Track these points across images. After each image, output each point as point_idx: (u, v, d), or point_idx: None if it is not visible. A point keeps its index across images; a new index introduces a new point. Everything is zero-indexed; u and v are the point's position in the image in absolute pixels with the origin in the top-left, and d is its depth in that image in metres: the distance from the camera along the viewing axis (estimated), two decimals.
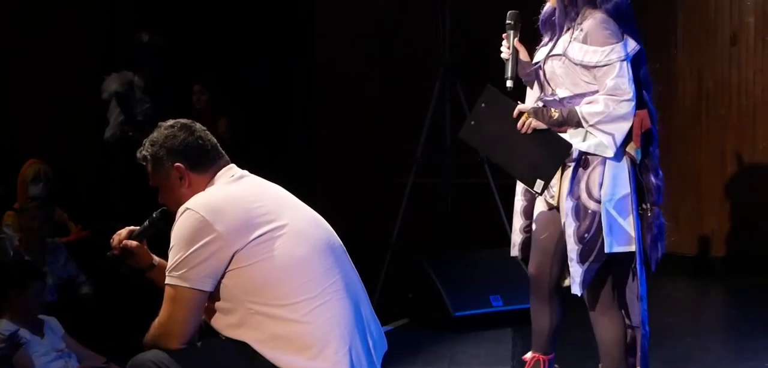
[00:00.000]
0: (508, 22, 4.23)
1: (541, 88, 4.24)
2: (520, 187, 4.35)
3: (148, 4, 8.37)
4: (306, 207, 3.46)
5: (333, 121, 8.77)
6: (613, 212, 4.07)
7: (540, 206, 4.25)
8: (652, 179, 4.15)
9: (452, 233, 6.81)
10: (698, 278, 7.25)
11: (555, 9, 4.20)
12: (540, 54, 4.24)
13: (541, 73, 4.21)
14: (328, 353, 3.22)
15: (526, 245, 4.34)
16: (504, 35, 4.24)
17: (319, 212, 3.48)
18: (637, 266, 4.17)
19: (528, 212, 4.32)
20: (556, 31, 4.20)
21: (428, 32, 7.11)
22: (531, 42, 4.35)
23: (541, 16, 4.29)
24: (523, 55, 4.27)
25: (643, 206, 4.16)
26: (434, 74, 6.74)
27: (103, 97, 7.56)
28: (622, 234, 4.09)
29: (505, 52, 4.22)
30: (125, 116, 7.44)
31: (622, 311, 4.29)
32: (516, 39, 4.22)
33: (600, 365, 4.34)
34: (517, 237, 4.37)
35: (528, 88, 4.35)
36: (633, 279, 4.24)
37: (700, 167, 7.70)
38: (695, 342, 5.66)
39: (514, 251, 4.39)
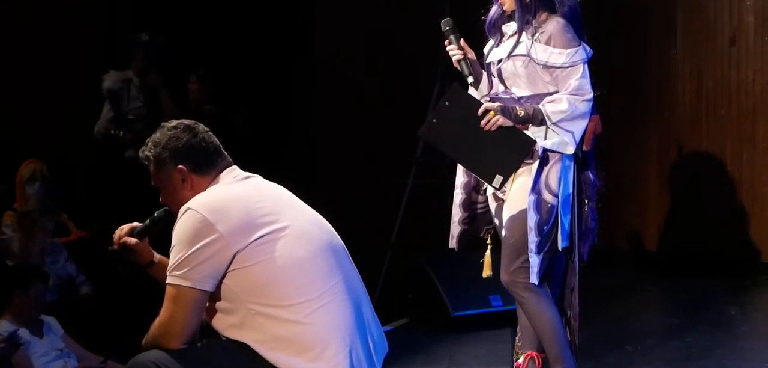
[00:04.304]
0: (446, 28, 4.41)
1: (491, 86, 4.40)
2: (459, 181, 4.54)
3: (147, 4, 8.37)
4: (308, 208, 3.46)
5: (333, 121, 8.76)
6: (560, 210, 4.24)
7: (506, 209, 4.34)
8: (590, 175, 4.37)
9: None
10: (700, 278, 7.25)
11: (502, 12, 4.38)
12: (495, 54, 4.39)
13: (494, 71, 4.36)
14: (328, 355, 3.21)
15: (463, 237, 4.53)
16: (446, 42, 4.40)
17: (318, 212, 3.48)
18: (574, 261, 4.35)
19: (466, 205, 4.52)
20: (503, 33, 4.39)
21: (428, 32, 7.10)
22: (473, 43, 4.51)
23: (488, 18, 4.45)
24: (471, 55, 4.43)
25: (585, 201, 4.35)
26: (434, 74, 6.74)
27: (103, 95, 7.58)
28: (565, 231, 4.26)
29: (458, 54, 4.36)
30: (114, 114, 7.45)
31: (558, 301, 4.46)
32: (461, 40, 4.39)
33: (523, 353, 4.45)
34: (455, 229, 4.55)
35: (471, 88, 4.46)
36: (569, 272, 4.40)
37: (700, 167, 7.70)
38: (696, 341, 5.65)
39: (452, 243, 4.57)
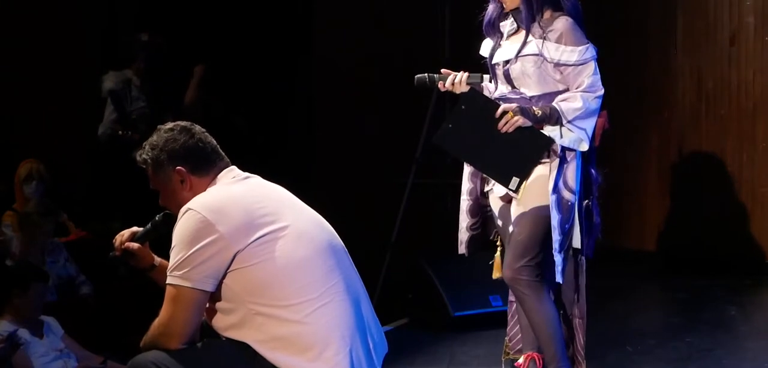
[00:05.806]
0: (424, 82, 4.44)
1: (495, 87, 4.37)
2: (465, 187, 4.50)
3: (147, 4, 8.37)
4: (308, 208, 3.46)
5: (333, 120, 8.77)
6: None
7: (517, 207, 4.32)
8: (592, 171, 4.36)
9: (452, 233, 6.80)
10: (700, 278, 7.25)
11: (501, 10, 4.34)
12: (499, 55, 4.35)
13: (500, 72, 4.32)
14: (328, 354, 3.21)
15: (471, 242, 4.50)
16: (440, 85, 4.37)
17: (318, 212, 3.48)
18: (581, 259, 4.36)
19: (474, 211, 4.49)
20: (501, 32, 4.35)
21: (428, 31, 7.09)
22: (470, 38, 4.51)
23: (485, 17, 4.41)
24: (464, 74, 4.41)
25: (589, 197, 4.34)
26: (434, 73, 6.73)
27: (102, 95, 7.58)
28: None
29: (460, 75, 4.32)
30: (118, 115, 7.45)
31: (563, 300, 4.46)
32: (446, 72, 4.35)
33: (524, 353, 4.43)
34: (464, 236, 4.52)
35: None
36: (578, 271, 4.40)
37: (700, 167, 7.70)
38: (696, 341, 5.65)
39: (462, 249, 4.54)
